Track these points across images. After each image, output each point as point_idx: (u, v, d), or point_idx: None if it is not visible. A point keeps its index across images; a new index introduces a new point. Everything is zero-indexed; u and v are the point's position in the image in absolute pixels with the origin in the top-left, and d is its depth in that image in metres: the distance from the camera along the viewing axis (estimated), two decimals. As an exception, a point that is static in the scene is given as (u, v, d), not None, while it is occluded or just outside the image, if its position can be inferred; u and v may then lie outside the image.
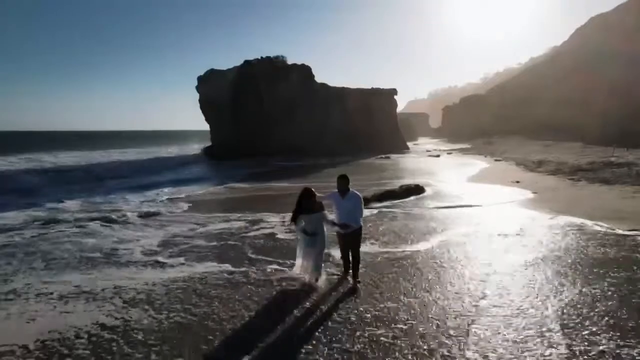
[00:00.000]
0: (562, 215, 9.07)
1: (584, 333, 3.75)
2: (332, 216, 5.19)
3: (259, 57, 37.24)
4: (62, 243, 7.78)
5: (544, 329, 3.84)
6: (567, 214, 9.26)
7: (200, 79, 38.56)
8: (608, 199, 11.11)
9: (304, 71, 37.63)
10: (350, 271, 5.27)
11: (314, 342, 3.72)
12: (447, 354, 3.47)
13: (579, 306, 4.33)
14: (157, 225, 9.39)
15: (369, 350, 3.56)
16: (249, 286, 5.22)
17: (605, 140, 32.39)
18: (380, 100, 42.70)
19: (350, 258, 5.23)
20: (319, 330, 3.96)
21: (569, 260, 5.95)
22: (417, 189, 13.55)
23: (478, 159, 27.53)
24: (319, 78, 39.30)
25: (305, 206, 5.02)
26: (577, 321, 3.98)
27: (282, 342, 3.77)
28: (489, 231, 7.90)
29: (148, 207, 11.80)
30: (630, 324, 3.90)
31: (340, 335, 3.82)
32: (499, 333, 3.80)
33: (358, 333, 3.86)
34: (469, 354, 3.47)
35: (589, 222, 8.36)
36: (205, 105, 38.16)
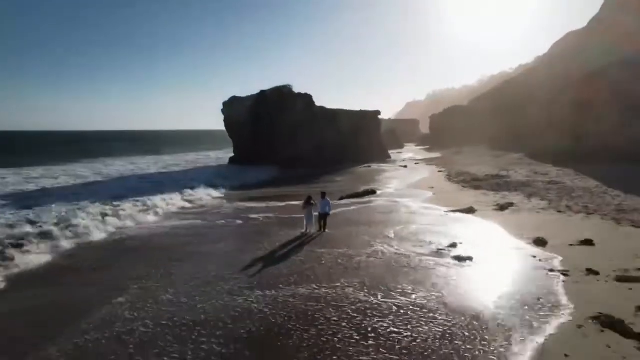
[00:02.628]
0: (427, 204, 19.92)
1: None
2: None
3: (272, 87, 48.16)
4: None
5: (356, 228, 14.70)
6: (432, 203, 20.09)
7: (225, 103, 49.37)
8: (464, 197, 21.86)
9: (306, 98, 48.49)
10: (323, 229, 15.26)
11: (300, 246, 14.58)
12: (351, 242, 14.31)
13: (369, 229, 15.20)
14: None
15: (333, 244, 14.39)
16: (225, 227, 16.11)
17: (565, 152, 38.18)
18: (366, 120, 53.85)
19: (322, 224, 15.34)
20: (302, 242, 14.79)
21: (395, 219, 16.84)
22: (372, 192, 24.43)
23: (429, 170, 38.27)
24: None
25: (308, 202, 15.27)
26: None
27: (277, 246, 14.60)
28: (377, 207, 18.91)
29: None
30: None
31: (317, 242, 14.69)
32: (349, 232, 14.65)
33: (327, 242, 14.70)
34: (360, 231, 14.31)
35: (435, 206, 19.18)
36: (229, 124, 49.01)
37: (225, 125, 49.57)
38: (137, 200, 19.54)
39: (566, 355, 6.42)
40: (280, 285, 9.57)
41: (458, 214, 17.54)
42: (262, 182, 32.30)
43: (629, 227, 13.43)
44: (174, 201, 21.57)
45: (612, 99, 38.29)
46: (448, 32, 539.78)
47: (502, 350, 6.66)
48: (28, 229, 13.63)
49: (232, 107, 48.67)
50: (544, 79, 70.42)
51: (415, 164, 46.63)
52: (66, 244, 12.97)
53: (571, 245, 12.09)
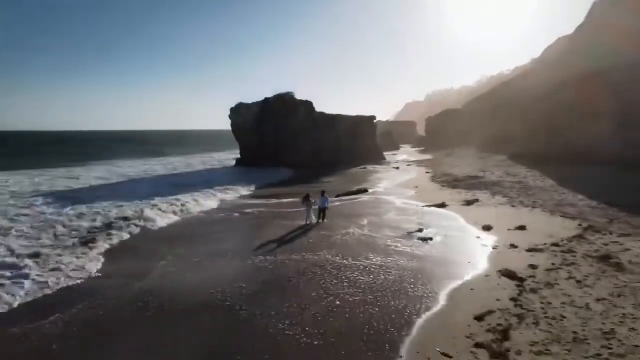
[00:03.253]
0: (408, 200, 23.49)
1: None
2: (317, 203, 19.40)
3: (275, 95, 51.92)
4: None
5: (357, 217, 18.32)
6: (413, 200, 23.65)
7: (232, 109, 53.10)
8: (442, 195, 25.36)
9: (307, 105, 52.22)
10: (322, 220, 19.03)
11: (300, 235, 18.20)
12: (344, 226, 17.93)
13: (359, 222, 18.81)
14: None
15: (330, 231, 18.01)
16: (236, 219, 19.72)
17: (546, 153, 41.60)
18: (362, 124, 57.59)
19: (322, 215, 19.08)
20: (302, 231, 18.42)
21: (379, 211, 20.43)
22: (364, 190, 28.03)
23: (418, 171, 41.80)
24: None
25: (307, 199, 18.97)
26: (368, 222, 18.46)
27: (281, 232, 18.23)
28: (366, 202, 22.48)
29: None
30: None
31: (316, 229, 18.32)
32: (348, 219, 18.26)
33: (326, 228, 18.31)
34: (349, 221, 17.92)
35: (415, 202, 22.75)
36: (236, 129, 52.77)
37: (232, 130, 53.33)
38: (169, 199, 22.79)
39: (472, 289, 10.04)
40: (278, 254, 13.26)
41: (432, 208, 21.08)
42: (280, 181, 35.67)
43: (558, 217, 17.02)
44: (206, 200, 24.52)
45: (602, 101, 39.76)
46: (448, 32, 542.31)
47: (434, 288, 10.26)
48: (84, 224, 17.19)
49: (238, 112, 52.39)
50: (535, 82, 73.90)
51: (408, 165, 50.11)
52: (116, 238, 16.35)
53: (509, 230, 15.66)
